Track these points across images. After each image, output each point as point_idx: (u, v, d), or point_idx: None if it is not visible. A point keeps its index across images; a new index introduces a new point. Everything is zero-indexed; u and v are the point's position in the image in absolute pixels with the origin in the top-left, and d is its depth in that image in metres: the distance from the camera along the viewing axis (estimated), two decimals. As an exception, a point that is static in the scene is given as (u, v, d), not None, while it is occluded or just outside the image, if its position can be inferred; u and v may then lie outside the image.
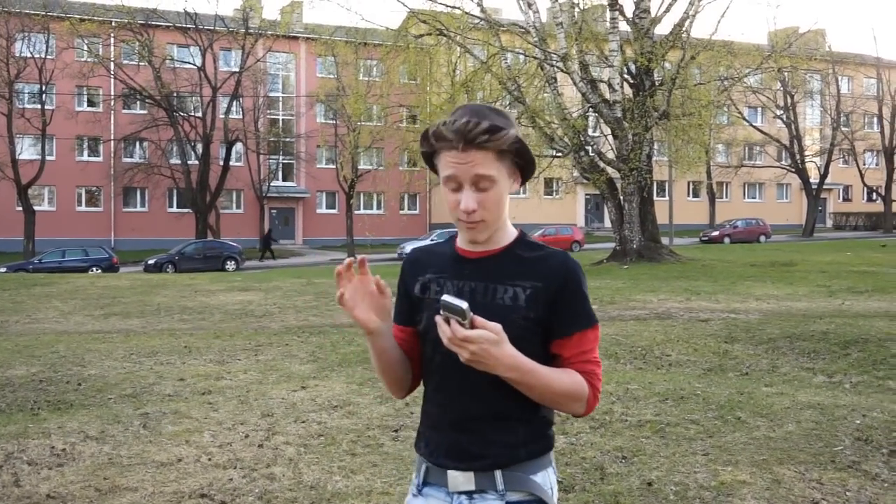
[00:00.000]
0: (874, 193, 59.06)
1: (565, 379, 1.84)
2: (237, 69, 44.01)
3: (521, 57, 28.10)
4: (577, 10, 26.93)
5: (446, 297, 1.74)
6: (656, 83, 26.30)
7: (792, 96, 51.45)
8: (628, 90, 27.21)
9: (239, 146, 46.34)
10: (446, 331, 1.74)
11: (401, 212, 54.08)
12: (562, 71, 25.70)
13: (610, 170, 26.50)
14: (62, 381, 7.71)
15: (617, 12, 25.91)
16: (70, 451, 5.17)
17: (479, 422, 1.89)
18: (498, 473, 1.87)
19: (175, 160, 44.30)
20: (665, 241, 32.46)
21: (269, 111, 51.50)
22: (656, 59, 25.20)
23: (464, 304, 1.71)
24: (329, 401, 6.53)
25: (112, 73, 42.88)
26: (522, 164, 1.91)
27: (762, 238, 49.03)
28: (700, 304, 13.45)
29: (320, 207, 54.28)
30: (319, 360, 8.83)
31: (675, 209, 45.66)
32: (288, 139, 52.52)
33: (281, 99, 53.51)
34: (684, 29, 26.00)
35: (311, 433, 5.56)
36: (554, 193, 50.02)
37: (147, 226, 48.37)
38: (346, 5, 67.50)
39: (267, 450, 5.19)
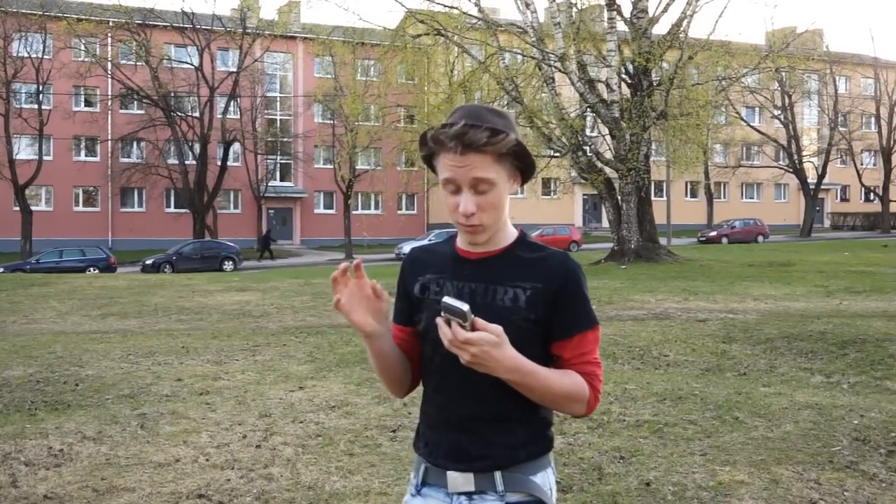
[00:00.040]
0: (872, 193, 59.15)
1: (566, 380, 1.84)
2: (235, 69, 44.01)
3: (519, 57, 28.11)
4: (574, 10, 26.93)
5: (447, 300, 1.74)
6: (654, 83, 26.31)
7: (790, 96, 51.50)
8: (626, 90, 27.22)
9: (236, 146, 46.34)
10: (447, 333, 1.74)
11: (399, 212, 54.09)
12: (559, 71, 25.71)
13: (608, 170, 26.51)
14: (59, 381, 7.70)
15: (615, 12, 25.92)
16: (67, 451, 5.16)
17: (479, 423, 1.89)
18: (497, 474, 1.87)
19: (172, 160, 44.28)
20: (663, 241, 32.48)
21: (266, 111, 51.48)
22: (654, 59, 25.21)
23: (465, 307, 1.71)
24: (327, 401, 6.53)
25: (109, 72, 42.83)
26: (522, 166, 1.90)
27: (760, 238, 49.08)
28: (698, 304, 13.45)
29: (318, 207, 54.28)
30: (317, 360, 8.82)
31: (673, 209, 45.69)
32: (285, 139, 52.51)
33: (278, 99, 53.51)
34: (682, 29, 26.01)
35: (308, 433, 5.55)
36: (552, 193, 50.08)
37: (144, 226, 48.33)
38: (343, 5, 68.27)
39: (265, 450, 5.18)
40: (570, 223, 51.68)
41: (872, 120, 58.74)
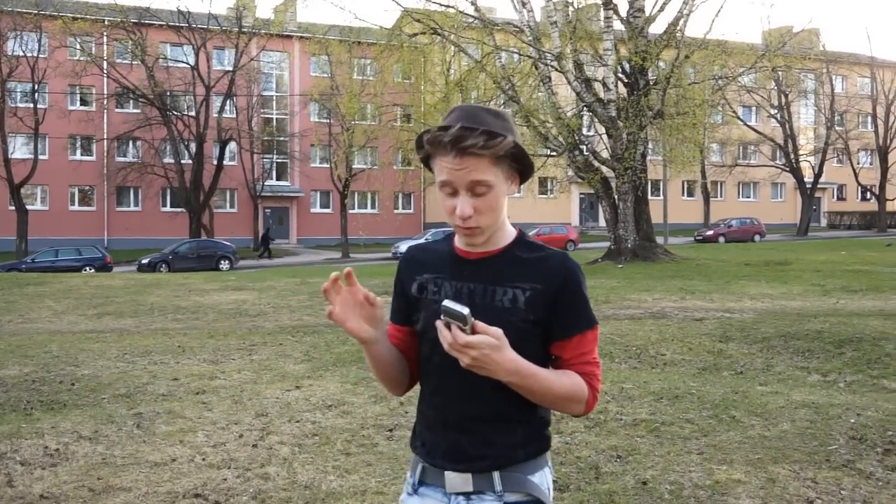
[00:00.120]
0: (868, 192, 59.22)
1: (565, 381, 1.83)
2: (231, 68, 43.91)
3: (516, 56, 28.11)
4: (571, 8, 26.92)
5: (447, 303, 1.73)
6: (651, 82, 26.31)
7: (786, 95, 51.56)
8: (623, 89, 27.24)
9: (233, 145, 46.26)
10: (447, 336, 1.73)
11: (395, 211, 54.03)
12: (556, 70, 25.71)
13: (604, 169, 26.53)
14: (55, 380, 7.68)
15: (611, 11, 25.93)
16: (63, 451, 5.15)
17: (478, 423, 1.88)
18: (496, 474, 1.86)
19: (168, 159, 44.21)
20: (660, 240, 32.53)
21: (262, 110, 51.42)
22: (650, 58, 25.22)
23: (465, 310, 1.70)
24: (323, 400, 6.52)
25: (105, 71, 42.73)
26: (520, 168, 1.88)
27: (757, 237, 49.16)
28: (695, 303, 13.47)
29: (314, 207, 54.23)
30: (314, 359, 8.81)
31: (670, 208, 45.71)
32: (282, 138, 52.44)
33: (275, 98, 53.43)
34: (678, 28, 26.02)
35: (305, 433, 5.55)
36: (548, 193, 50.07)
37: (140, 225, 48.25)
38: (339, 4, 68.00)
39: (261, 449, 5.17)
40: (567, 222, 51.71)
41: (869, 119, 58.82)
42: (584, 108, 27.00)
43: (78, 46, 41.32)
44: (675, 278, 18.44)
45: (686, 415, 5.79)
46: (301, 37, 47.46)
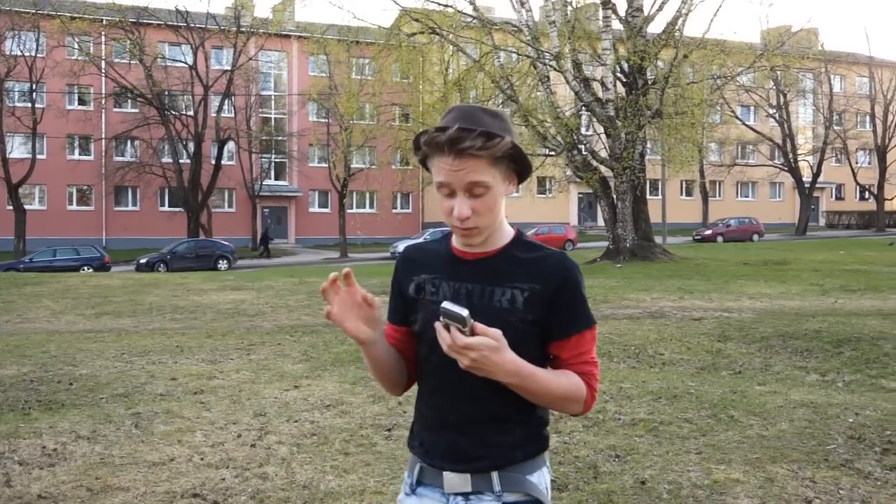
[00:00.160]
0: (867, 192, 59.28)
1: (564, 381, 1.83)
2: (229, 67, 43.87)
3: (514, 55, 28.10)
4: (569, 8, 26.92)
5: (446, 305, 1.72)
6: (649, 82, 26.33)
7: (785, 95, 51.58)
8: (621, 89, 27.25)
9: (231, 145, 46.23)
10: (446, 338, 1.72)
11: (394, 211, 54.02)
12: (554, 69, 25.71)
13: (603, 168, 26.53)
14: (53, 380, 7.67)
15: (610, 11, 25.93)
16: (61, 450, 5.14)
17: (477, 424, 1.88)
18: (494, 475, 1.86)
19: (167, 159, 44.16)
20: (658, 239, 32.54)
21: (261, 110, 51.38)
22: (649, 57, 25.23)
23: (464, 312, 1.70)
24: (322, 400, 6.52)
25: (103, 71, 42.72)
26: (518, 168, 1.88)
27: (755, 237, 49.18)
28: (693, 302, 13.47)
29: (313, 206, 54.21)
30: (312, 359, 8.80)
31: (668, 208, 45.72)
32: (280, 138, 52.42)
33: (273, 97, 53.40)
34: (677, 27, 26.03)
35: (303, 432, 5.54)
36: (547, 192, 50.04)
37: (138, 225, 48.22)
38: (338, 3, 67.77)
39: (259, 449, 5.17)
40: (566, 222, 51.70)
41: (867, 118, 58.87)
42: (583, 108, 27.02)
43: (76, 46, 41.29)
44: (673, 278, 18.45)
45: (684, 414, 5.79)
46: (299, 36, 47.44)
